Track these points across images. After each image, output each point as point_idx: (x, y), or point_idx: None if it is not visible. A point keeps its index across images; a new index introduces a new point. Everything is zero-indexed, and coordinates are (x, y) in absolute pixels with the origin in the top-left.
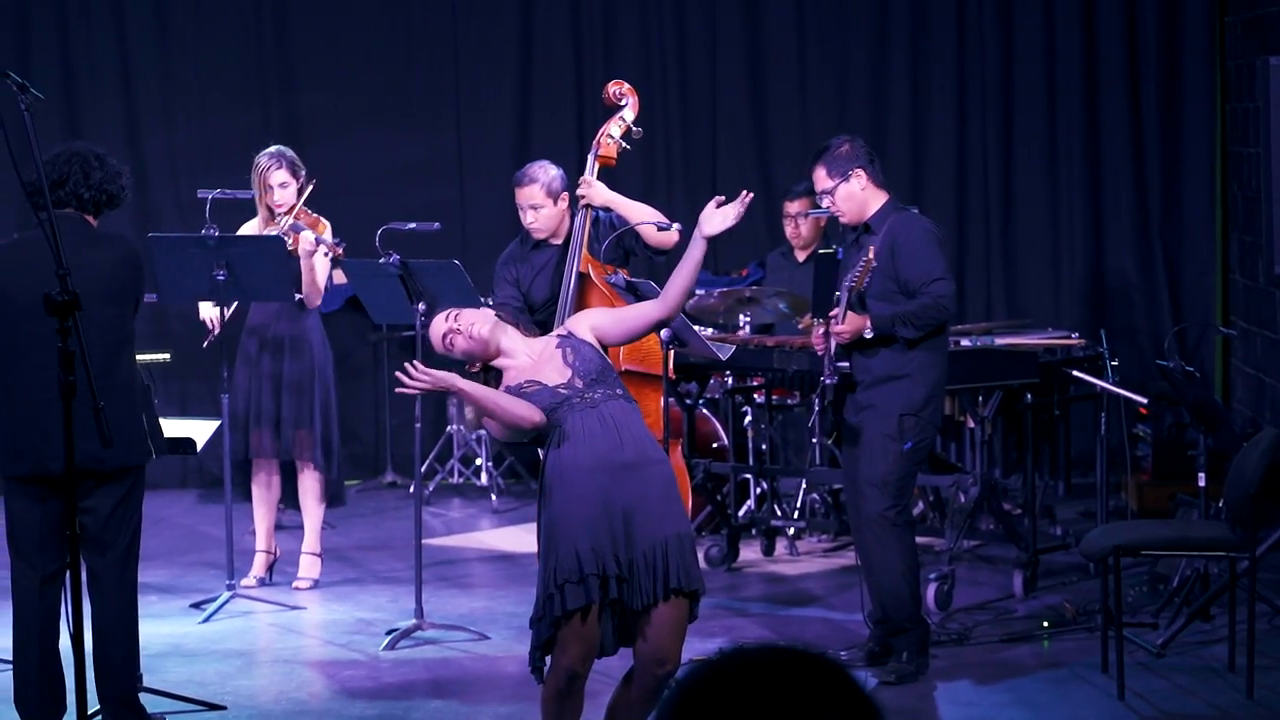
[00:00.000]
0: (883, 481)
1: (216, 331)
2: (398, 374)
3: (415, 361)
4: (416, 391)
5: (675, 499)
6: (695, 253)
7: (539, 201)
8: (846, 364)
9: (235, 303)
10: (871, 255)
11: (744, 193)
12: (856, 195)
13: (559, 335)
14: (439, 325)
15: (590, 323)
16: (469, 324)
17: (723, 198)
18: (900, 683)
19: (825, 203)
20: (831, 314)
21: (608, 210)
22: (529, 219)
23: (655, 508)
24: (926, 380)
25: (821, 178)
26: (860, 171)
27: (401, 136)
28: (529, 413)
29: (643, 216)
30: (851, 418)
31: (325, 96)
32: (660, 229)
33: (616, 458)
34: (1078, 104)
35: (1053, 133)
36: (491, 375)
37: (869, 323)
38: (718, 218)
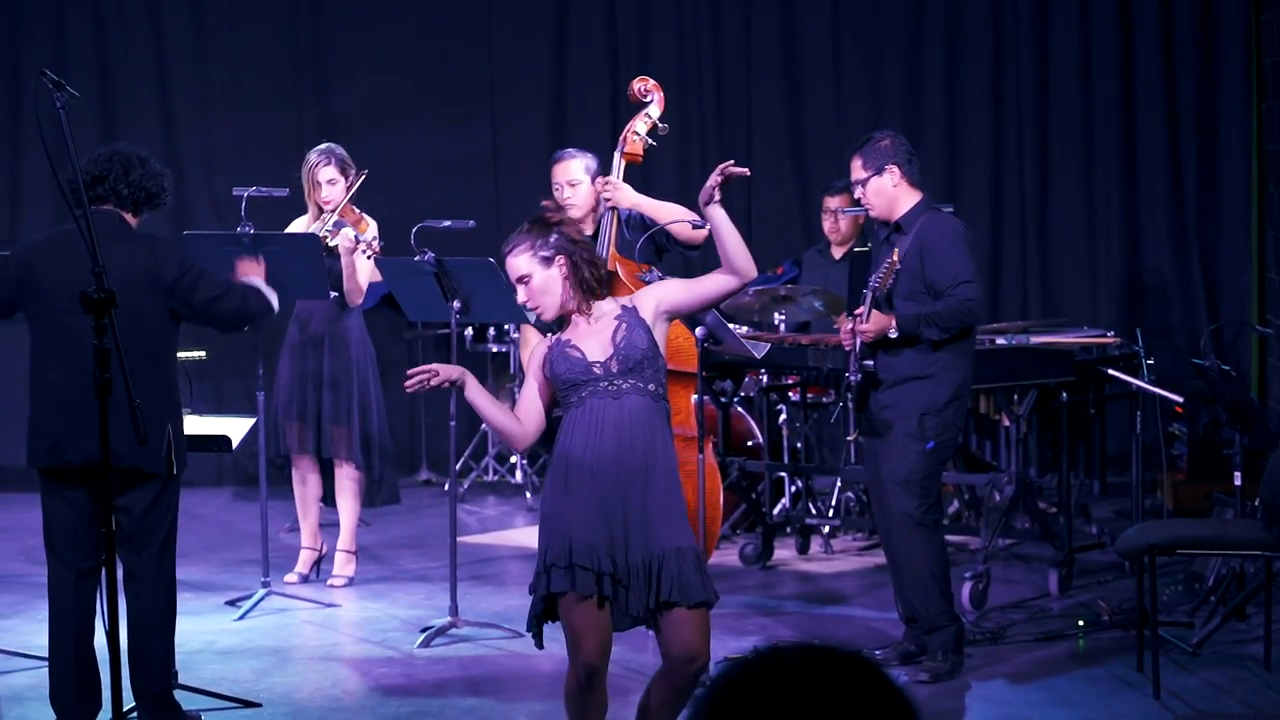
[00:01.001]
0: (905, 480)
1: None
2: (409, 372)
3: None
4: (422, 388)
5: (678, 511)
6: (720, 220)
7: (577, 177)
8: (871, 362)
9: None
10: (896, 256)
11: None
12: (887, 191)
13: (623, 306)
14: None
15: (659, 295)
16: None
17: (728, 171)
18: (934, 681)
19: (857, 193)
20: (856, 312)
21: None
22: (565, 195)
23: (655, 517)
24: (951, 381)
25: (857, 168)
26: (895, 168)
27: (436, 134)
28: (515, 431)
29: (672, 216)
30: (874, 416)
31: (360, 94)
32: (694, 227)
33: (622, 459)
34: (1114, 102)
35: (1088, 131)
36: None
37: (894, 322)
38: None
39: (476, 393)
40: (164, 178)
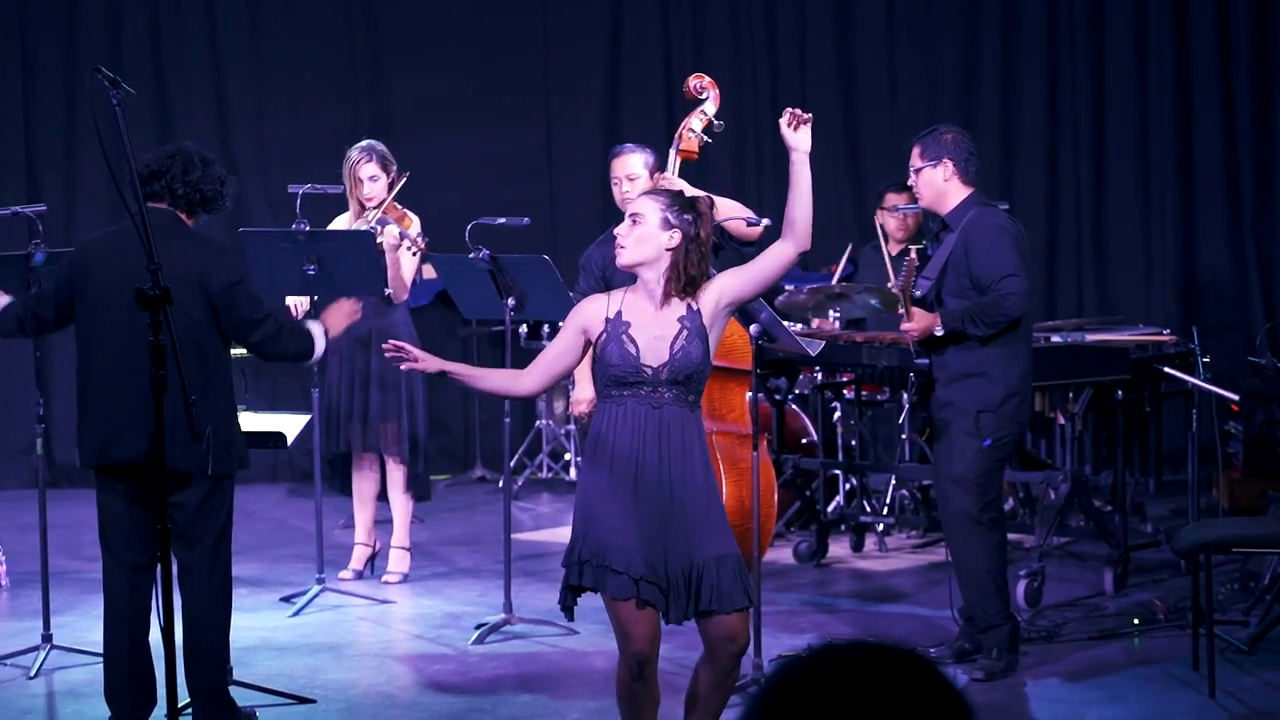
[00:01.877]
0: (962, 478)
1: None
2: (392, 343)
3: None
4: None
5: (718, 517)
6: (802, 174)
7: (636, 172)
8: (925, 361)
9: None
10: (914, 256)
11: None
12: (937, 183)
13: (689, 306)
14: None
15: (719, 291)
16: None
17: (789, 113)
18: (989, 679)
19: (911, 180)
20: (900, 311)
21: None
22: (625, 190)
23: (695, 530)
24: (1005, 378)
25: (915, 156)
26: (949, 163)
27: (491, 131)
28: (509, 388)
29: (729, 213)
30: (935, 414)
31: (415, 91)
32: (749, 224)
33: (663, 471)
34: (1169, 99)
35: (1144, 129)
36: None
37: (939, 320)
38: (802, 134)
39: (456, 371)
40: (224, 182)
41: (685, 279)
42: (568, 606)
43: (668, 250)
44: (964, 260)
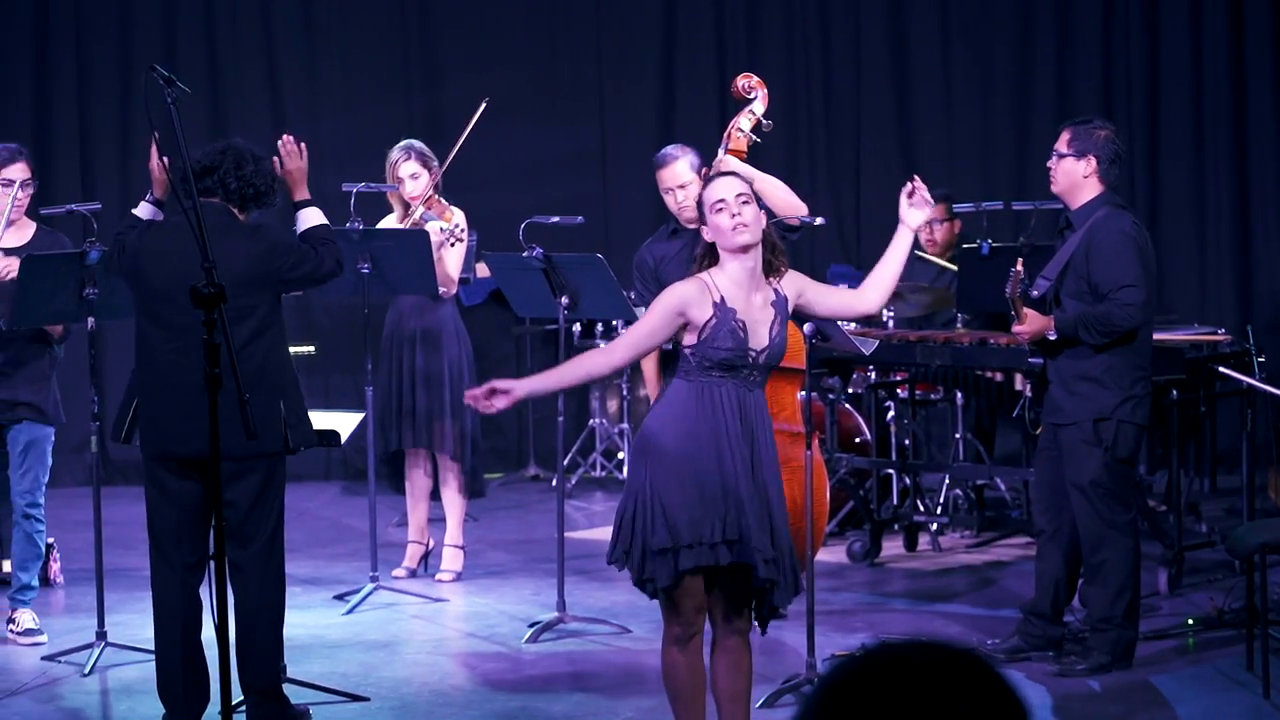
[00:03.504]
0: (1091, 484)
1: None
2: (470, 394)
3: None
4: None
5: (784, 505)
6: (903, 245)
7: (686, 178)
8: (1039, 361)
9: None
10: (1019, 267)
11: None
12: (1075, 176)
13: (776, 291)
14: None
15: (800, 287)
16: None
17: (912, 185)
18: (1064, 675)
19: (1051, 163)
20: (1012, 314)
21: None
22: (679, 199)
23: (777, 513)
24: (1119, 384)
25: (1063, 141)
26: (1094, 159)
27: (545, 131)
28: (598, 369)
29: (779, 195)
30: (1047, 417)
31: (469, 90)
32: (803, 221)
33: (750, 448)
34: (1225, 100)
35: (1199, 129)
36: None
37: (1053, 324)
38: (916, 210)
39: (532, 384)
40: (275, 178)
41: (772, 259)
42: (655, 593)
43: (762, 229)
44: (1085, 264)
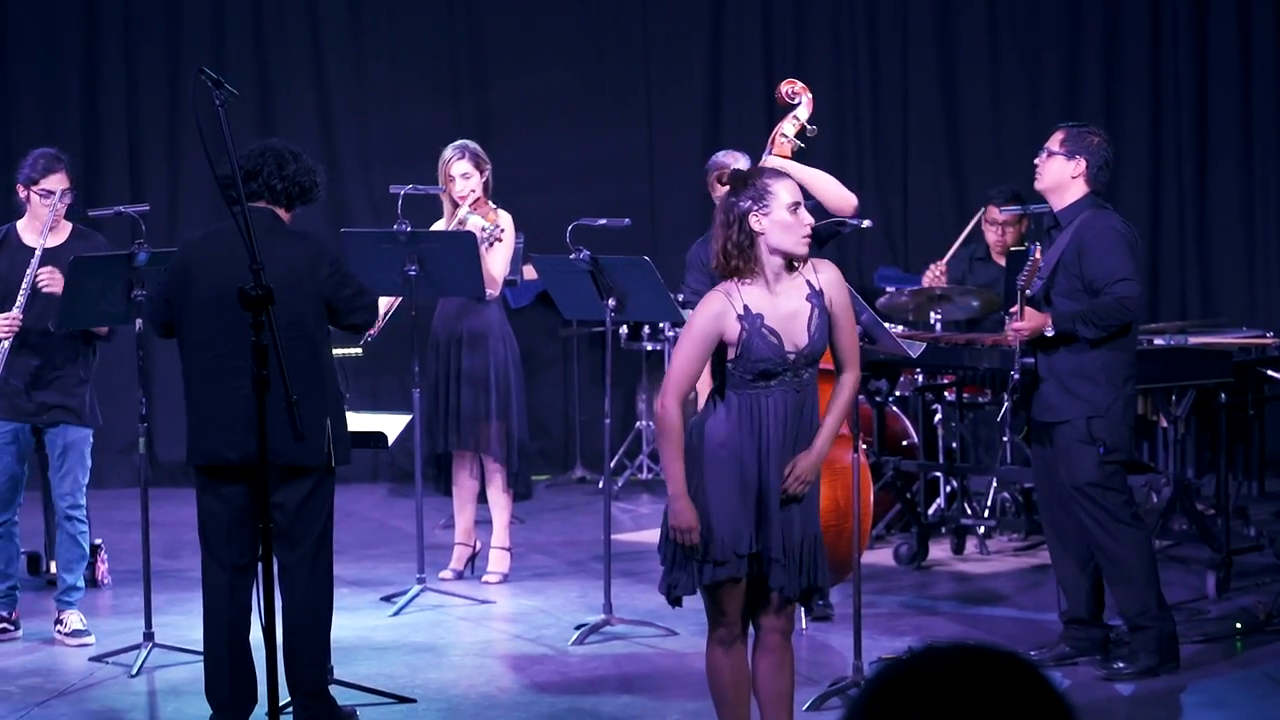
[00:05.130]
0: (1089, 485)
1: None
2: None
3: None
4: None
5: (817, 496)
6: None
7: None
8: (1031, 360)
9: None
10: (1038, 256)
11: None
12: (1063, 176)
13: (810, 286)
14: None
15: (837, 298)
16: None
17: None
18: (1130, 679)
19: (1039, 158)
20: (1010, 311)
21: None
22: None
23: (811, 502)
24: (1112, 381)
25: (1056, 139)
26: (1083, 161)
27: (593, 132)
28: (668, 414)
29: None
30: (1038, 417)
31: (517, 92)
32: (850, 224)
33: (791, 446)
34: (1272, 102)
35: (1247, 131)
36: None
37: (1050, 320)
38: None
39: (675, 491)
40: (315, 173)
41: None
42: (677, 601)
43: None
44: (1076, 262)
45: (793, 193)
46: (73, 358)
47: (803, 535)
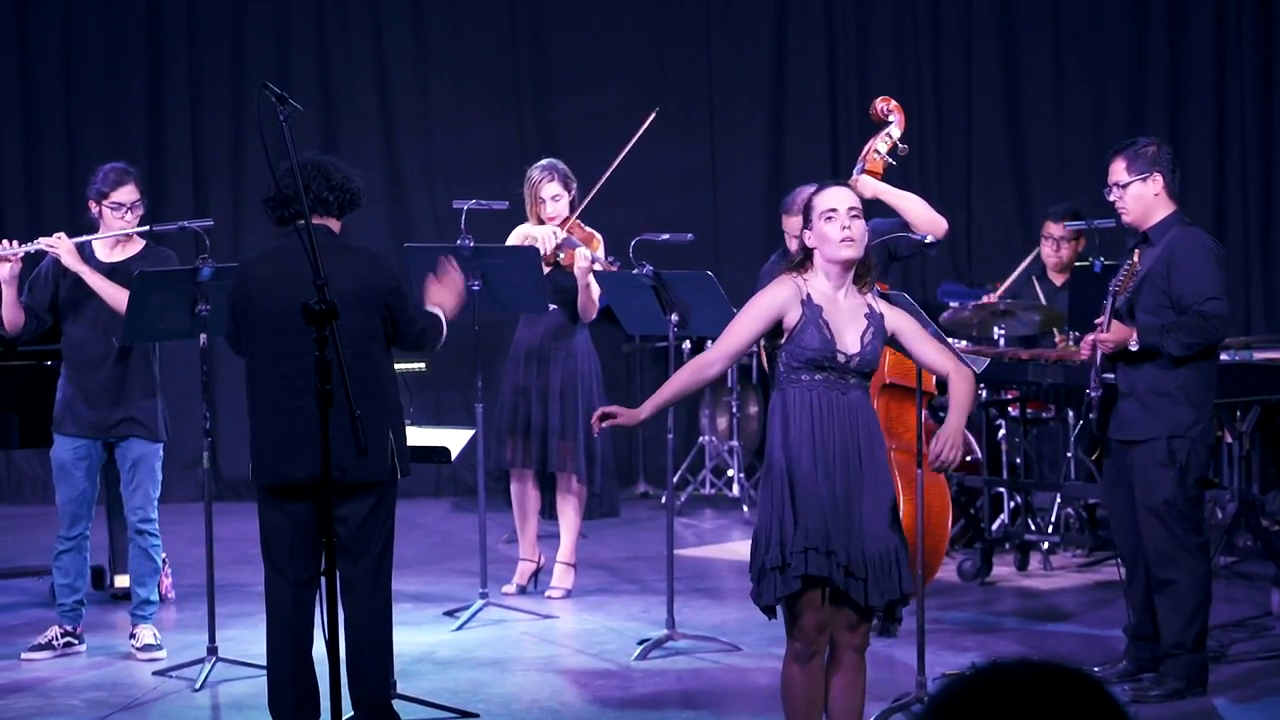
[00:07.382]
0: (1165, 504)
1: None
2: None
3: None
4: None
5: (895, 504)
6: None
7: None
8: (1111, 375)
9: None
10: (1136, 259)
11: None
12: (1147, 198)
13: (870, 306)
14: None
15: (896, 324)
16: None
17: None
18: (1137, 700)
19: (1114, 196)
20: (1097, 321)
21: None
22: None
23: (884, 511)
24: (1193, 400)
25: (1119, 169)
26: (1159, 176)
27: (655, 148)
28: (696, 379)
29: (919, 210)
30: (1115, 435)
31: (579, 107)
32: (932, 239)
33: (849, 453)
34: None
35: None
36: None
37: (1135, 334)
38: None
39: (654, 408)
40: (355, 179)
41: (862, 270)
42: (770, 608)
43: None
44: (1165, 278)
45: (829, 200)
46: (143, 370)
47: (884, 546)
